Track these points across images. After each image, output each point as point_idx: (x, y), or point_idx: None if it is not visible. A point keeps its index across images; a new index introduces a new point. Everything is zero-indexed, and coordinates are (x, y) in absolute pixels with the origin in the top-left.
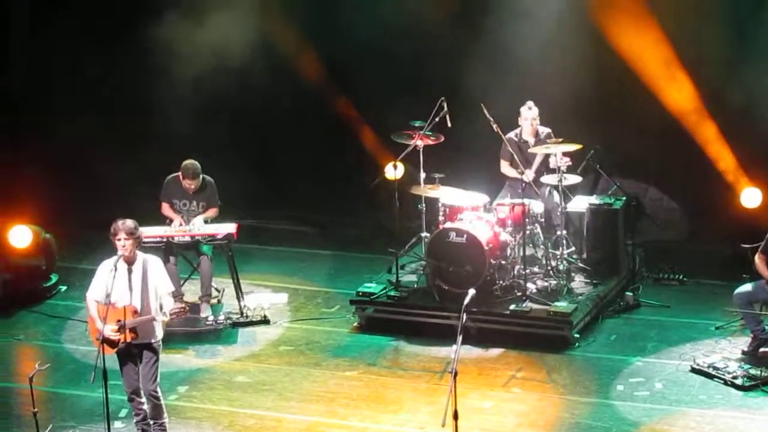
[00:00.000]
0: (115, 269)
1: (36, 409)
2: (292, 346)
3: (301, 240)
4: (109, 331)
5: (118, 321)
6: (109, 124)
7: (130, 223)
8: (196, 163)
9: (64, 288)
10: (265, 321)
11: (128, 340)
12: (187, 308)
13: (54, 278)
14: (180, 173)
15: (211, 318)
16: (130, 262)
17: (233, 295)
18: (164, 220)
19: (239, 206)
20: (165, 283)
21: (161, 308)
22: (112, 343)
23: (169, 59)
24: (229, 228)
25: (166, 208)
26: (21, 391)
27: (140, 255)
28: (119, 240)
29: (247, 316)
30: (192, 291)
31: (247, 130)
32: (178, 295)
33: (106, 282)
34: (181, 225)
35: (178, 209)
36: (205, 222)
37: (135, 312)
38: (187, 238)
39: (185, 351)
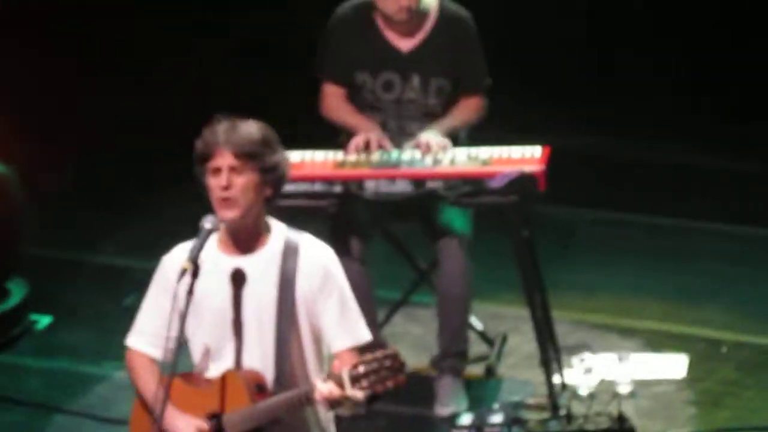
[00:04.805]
0: (193, 267)
1: None
2: None
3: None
4: None
5: (211, 416)
6: None
7: (252, 128)
8: None
9: (45, 321)
10: None
11: None
12: (404, 366)
13: (17, 291)
14: None
15: (465, 418)
16: (244, 244)
17: (532, 354)
18: (327, 138)
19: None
20: (343, 317)
21: (333, 374)
22: None
23: None
24: (529, 161)
25: (335, 100)
26: None
27: (277, 228)
28: (215, 173)
29: (574, 419)
30: (412, 339)
31: None
32: (377, 346)
33: (176, 304)
34: (380, 147)
35: (370, 102)
36: (453, 140)
37: (260, 387)
38: (403, 185)
39: None
